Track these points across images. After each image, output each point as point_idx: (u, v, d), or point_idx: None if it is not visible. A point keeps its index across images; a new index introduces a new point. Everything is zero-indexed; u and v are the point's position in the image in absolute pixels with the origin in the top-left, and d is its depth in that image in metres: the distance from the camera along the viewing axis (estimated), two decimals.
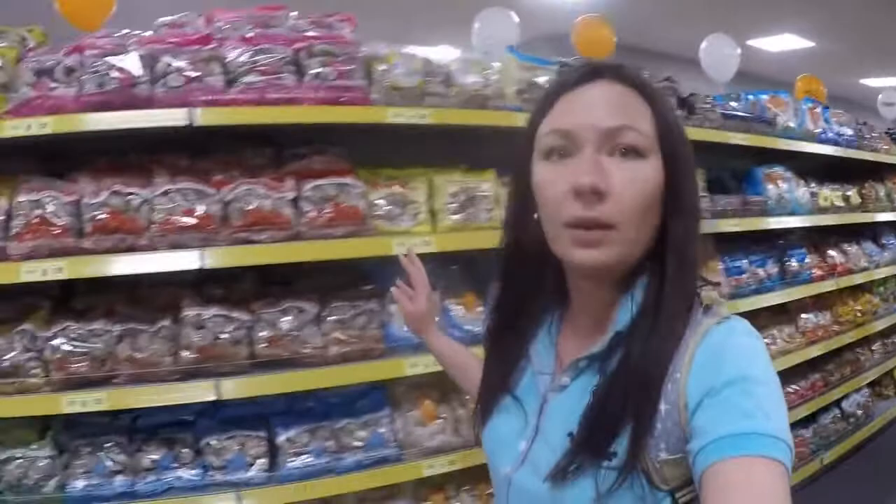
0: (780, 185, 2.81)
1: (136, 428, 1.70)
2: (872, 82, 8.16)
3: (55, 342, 1.55)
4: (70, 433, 1.66)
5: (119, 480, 1.61)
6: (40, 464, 1.59)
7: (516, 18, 2.79)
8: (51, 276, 1.44)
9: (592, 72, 0.72)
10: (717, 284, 0.77)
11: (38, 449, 1.60)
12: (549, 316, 0.82)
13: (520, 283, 0.82)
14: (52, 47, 1.55)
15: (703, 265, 0.76)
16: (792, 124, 2.82)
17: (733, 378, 0.62)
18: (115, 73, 1.44)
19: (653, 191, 0.69)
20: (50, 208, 1.47)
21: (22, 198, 1.49)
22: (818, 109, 2.98)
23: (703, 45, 3.35)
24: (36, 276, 1.43)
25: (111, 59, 1.45)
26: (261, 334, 1.58)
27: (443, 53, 1.87)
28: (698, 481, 0.60)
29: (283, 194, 1.57)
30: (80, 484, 1.60)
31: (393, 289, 1.21)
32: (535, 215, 0.74)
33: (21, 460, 1.58)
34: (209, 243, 1.49)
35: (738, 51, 3.41)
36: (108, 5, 2.13)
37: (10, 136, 1.43)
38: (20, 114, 1.43)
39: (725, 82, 3.38)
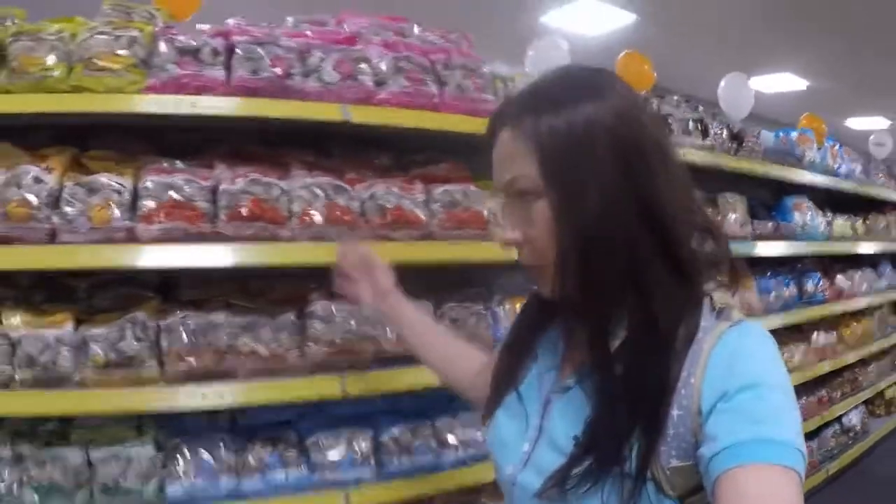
0: (805, 213, 3.02)
1: (237, 427, 1.66)
2: (854, 123, 8.77)
3: (172, 333, 1.49)
4: (166, 431, 1.58)
5: (224, 480, 1.55)
6: (141, 463, 1.50)
7: (566, 46, 2.90)
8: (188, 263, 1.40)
9: (491, 127, 0.76)
10: (730, 287, 0.76)
11: (140, 447, 1.50)
12: (558, 320, 0.83)
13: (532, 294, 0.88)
14: (192, 27, 1.52)
15: (717, 272, 0.75)
16: (816, 159, 3.04)
17: (748, 383, 0.61)
18: (270, 62, 1.42)
19: (552, 223, 0.70)
20: (187, 191, 1.43)
21: (153, 178, 1.44)
22: (836, 147, 3.24)
23: (722, 84, 3.56)
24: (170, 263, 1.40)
25: (268, 48, 1.44)
26: (388, 331, 1.58)
27: None
28: (710, 488, 0.60)
29: (414, 196, 1.59)
30: (183, 484, 1.52)
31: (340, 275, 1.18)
32: None
33: (120, 460, 1.48)
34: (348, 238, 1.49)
35: (752, 91, 3.64)
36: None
37: (151, 112, 1.39)
38: (166, 90, 1.39)
39: (740, 119, 3.61)
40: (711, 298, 0.71)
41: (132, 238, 1.39)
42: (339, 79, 1.47)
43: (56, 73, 1.35)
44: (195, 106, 1.39)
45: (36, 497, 1.41)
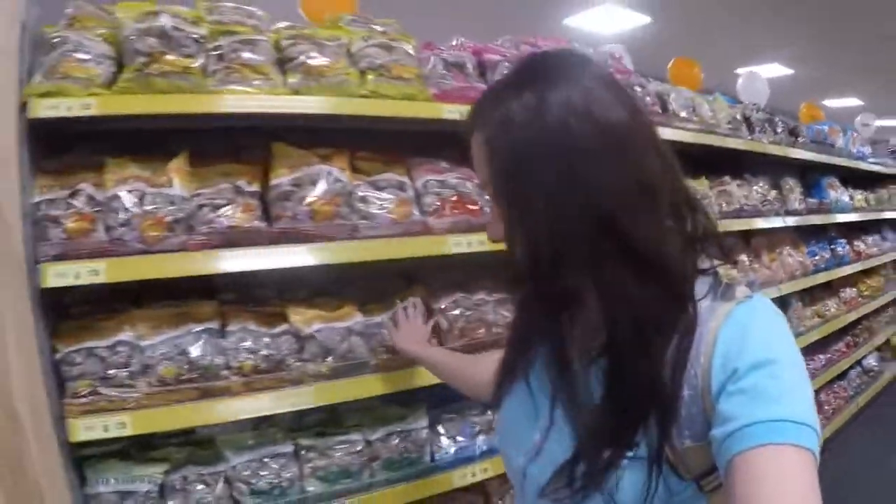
0: (837, 190, 3.62)
1: None
2: (831, 103, 9.61)
3: (447, 314, 1.65)
4: (428, 403, 1.72)
5: (480, 440, 1.74)
6: (420, 435, 1.65)
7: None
8: (475, 248, 1.57)
9: (468, 127, 0.75)
10: (734, 263, 0.80)
11: (414, 421, 1.66)
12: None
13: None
14: (457, 45, 1.75)
15: (713, 249, 0.71)
16: (843, 146, 3.65)
17: (759, 361, 0.60)
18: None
19: (503, 220, 0.71)
20: (463, 188, 1.63)
21: (428, 176, 1.62)
22: (856, 135, 3.87)
23: (739, 81, 4.11)
24: (461, 248, 1.56)
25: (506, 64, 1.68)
26: None
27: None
28: (724, 468, 0.58)
29: None
30: (451, 449, 1.70)
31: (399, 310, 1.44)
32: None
33: (395, 436, 1.62)
34: None
35: (766, 83, 4.22)
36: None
37: (450, 118, 1.56)
38: (448, 99, 1.57)
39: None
40: (717, 275, 0.70)
41: (427, 230, 1.54)
42: None
43: (351, 79, 1.45)
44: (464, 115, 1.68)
45: (323, 485, 1.50)
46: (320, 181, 1.43)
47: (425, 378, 1.57)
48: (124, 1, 1.32)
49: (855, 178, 4.05)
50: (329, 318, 1.51)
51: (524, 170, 0.66)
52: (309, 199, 1.40)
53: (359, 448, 1.57)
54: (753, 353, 0.60)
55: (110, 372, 1.29)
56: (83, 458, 1.34)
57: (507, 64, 1.76)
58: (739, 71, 7.48)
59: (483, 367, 1.04)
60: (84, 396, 1.26)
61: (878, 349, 4.40)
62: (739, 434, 0.57)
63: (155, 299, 1.45)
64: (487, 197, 0.79)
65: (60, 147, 1.38)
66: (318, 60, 1.41)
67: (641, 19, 5.86)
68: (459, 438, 1.74)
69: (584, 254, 0.65)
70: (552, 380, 0.75)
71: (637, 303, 0.65)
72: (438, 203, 1.60)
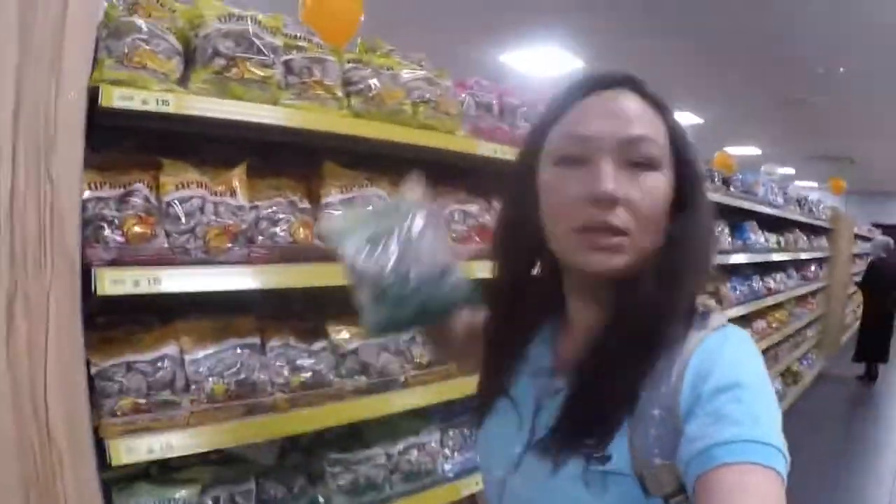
0: (756, 233, 4.06)
1: None
2: (732, 150, 10.51)
3: None
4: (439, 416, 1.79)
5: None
6: (433, 447, 1.71)
7: None
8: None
9: (609, 81, 0.72)
10: (715, 293, 0.95)
11: (428, 434, 1.71)
12: (548, 319, 0.82)
13: (514, 287, 0.81)
14: (483, 85, 1.85)
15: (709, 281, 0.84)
16: (762, 194, 4.12)
17: (724, 385, 0.61)
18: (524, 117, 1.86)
19: (664, 202, 0.69)
20: (486, 218, 1.79)
21: (454, 206, 1.74)
22: (774, 186, 4.37)
23: None
24: (484, 273, 1.71)
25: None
26: None
27: None
28: (691, 489, 0.59)
29: None
30: (456, 460, 1.75)
31: None
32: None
33: (413, 448, 1.66)
34: None
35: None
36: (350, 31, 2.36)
37: (485, 155, 1.70)
38: (483, 137, 1.73)
39: None
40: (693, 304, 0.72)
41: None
42: None
43: (406, 109, 1.51)
44: (496, 152, 1.72)
45: (349, 499, 1.50)
46: (371, 204, 1.47)
47: (444, 393, 1.64)
48: None
49: (768, 223, 4.57)
50: (363, 336, 1.51)
51: (690, 154, 0.73)
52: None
53: (381, 462, 1.59)
54: (719, 378, 0.62)
55: (153, 389, 1.21)
56: (108, 481, 1.24)
57: (523, 109, 1.90)
58: None
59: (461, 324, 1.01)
60: (126, 415, 1.18)
61: (781, 375, 4.93)
62: (704, 454, 0.58)
63: (179, 311, 1.38)
64: (611, 151, 0.69)
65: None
66: (378, 87, 1.46)
67: (574, 63, 6.23)
68: (463, 450, 1.82)
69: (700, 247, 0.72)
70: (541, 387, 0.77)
71: (686, 291, 0.70)
72: (465, 230, 1.71)
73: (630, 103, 0.70)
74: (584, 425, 0.67)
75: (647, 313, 0.68)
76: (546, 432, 0.71)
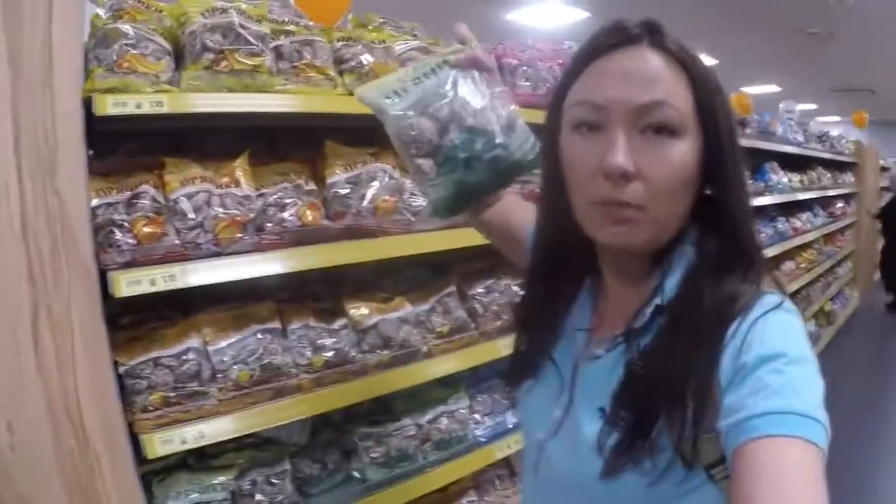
0: (777, 174, 3.96)
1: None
2: (751, 90, 10.22)
3: (484, 299, 1.77)
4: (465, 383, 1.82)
5: (509, 415, 1.85)
6: (463, 414, 1.74)
7: None
8: None
9: (627, 37, 0.67)
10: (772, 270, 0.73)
11: (456, 402, 1.74)
12: (588, 280, 0.81)
13: (552, 254, 0.80)
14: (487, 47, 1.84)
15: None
16: (781, 134, 4.00)
17: (766, 356, 0.60)
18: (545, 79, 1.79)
19: (686, 171, 0.66)
20: None
21: None
22: (793, 124, 4.24)
23: None
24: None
25: (535, 69, 1.80)
26: None
27: None
28: (730, 459, 0.58)
29: None
30: (487, 424, 1.80)
31: None
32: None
33: (442, 416, 1.69)
34: None
35: None
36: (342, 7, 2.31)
37: None
38: None
39: None
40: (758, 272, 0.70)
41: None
42: None
43: None
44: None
45: (383, 471, 1.54)
46: (377, 179, 1.46)
47: (468, 360, 1.66)
48: None
49: (789, 162, 4.45)
50: (385, 310, 1.56)
51: (723, 111, 0.68)
52: (370, 196, 1.42)
53: (412, 433, 1.62)
54: (761, 349, 0.61)
55: (180, 381, 1.25)
56: (147, 475, 1.29)
57: (524, 68, 1.84)
58: None
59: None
60: (157, 409, 1.22)
61: (814, 316, 4.86)
62: (742, 426, 0.57)
63: (200, 304, 1.41)
64: (623, 121, 0.65)
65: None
66: (371, 63, 1.43)
67: (580, 14, 6.08)
68: (493, 414, 1.85)
69: (737, 206, 0.69)
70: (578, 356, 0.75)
71: (742, 257, 0.68)
72: None
73: (647, 64, 0.66)
74: (649, 413, 0.64)
75: (699, 300, 0.65)
76: (599, 414, 0.68)
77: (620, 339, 0.70)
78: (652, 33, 0.67)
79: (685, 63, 0.67)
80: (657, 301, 0.68)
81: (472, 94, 0.79)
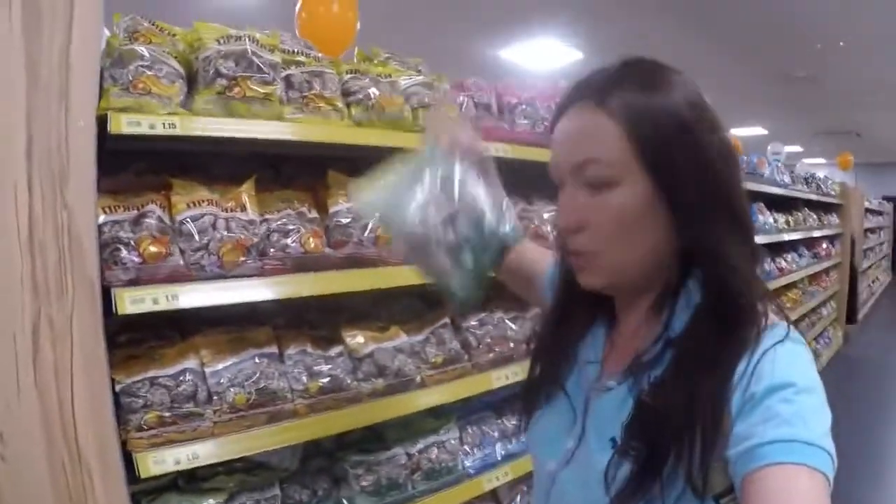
0: (764, 214, 4.05)
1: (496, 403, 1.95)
2: (738, 132, 10.46)
3: (477, 331, 1.79)
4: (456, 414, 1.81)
5: (499, 447, 1.85)
6: (453, 445, 1.73)
7: None
8: None
9: (568, 98, 0.73)
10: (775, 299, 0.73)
11: (446, 432, 1.73)
12: (602, 313, 0.82)
13: (568, 291, 0.83)
14: (481, 86, 1.84)
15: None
16: (768, 174, 4.11)
17: (775, 385, 0.61)
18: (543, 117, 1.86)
19: (626, 215, 0.68)
20: None
21: None
22: (780, 166, 4.36)
23: None
24: None
25: (533, 108, 1.87)
26: None
27: None
28: (738, 486, 0.59)
29: None
30: (475, 455, 1.80)
31: None
32: None
33: (432, 447, 1.68)
34: None
35: None
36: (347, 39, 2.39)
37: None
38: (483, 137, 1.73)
39: None
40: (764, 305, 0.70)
41: None
42: None
43: (407, 115, 1.53)
44: (497, 151, 1.70)
45: (373, 500, 1.53)
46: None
47: (460, 391, 1.67)
48: (160, 21, 1.29)
49: (776, 203, 4.55)
50: (381, 339, 1.58)
51: (684, 145, 0.67)
52: (371, 226, 1.45)
53: (402, 461, 1.62)
54: (770, 379, 0.62)
55: (176, 402, 1.25)
56: (137, 494, 1.28)
57: (523, 106, 1.91)
58: None
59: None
60: (152, 428, 1.21)
61: None
62: (750, 454, 0.58)
63: (198, 325, 1.42)
64: (566, 179, 0.71)
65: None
66: (377, 95, 1.48)
67: (574, 55, 6.23)
68: (483, 446, 1.85)
69: (717, 243, 0.67)
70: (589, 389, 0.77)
71: (752, 301, 0.67)
72: None
73: (576, 123, 0.70)
74: (660, 445, 0.65)
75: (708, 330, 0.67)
76: (610, 445, 0.69)
77: (631, 370, 0.72)
78: (586, 87, 0.71)
79: (619, 110, 0.68)
80: (667, 335, 0.70)
81: (461, 185, 0.87)
